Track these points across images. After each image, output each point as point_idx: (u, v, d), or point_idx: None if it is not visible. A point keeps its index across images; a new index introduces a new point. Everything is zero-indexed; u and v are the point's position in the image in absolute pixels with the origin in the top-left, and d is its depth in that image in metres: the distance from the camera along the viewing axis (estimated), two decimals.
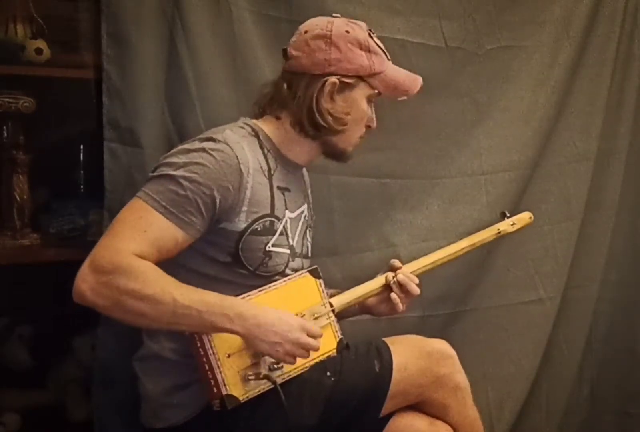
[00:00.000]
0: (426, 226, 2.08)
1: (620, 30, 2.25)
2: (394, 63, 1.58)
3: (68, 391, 1.95)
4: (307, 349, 1.39)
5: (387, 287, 1.61)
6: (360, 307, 1.67)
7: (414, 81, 1.59)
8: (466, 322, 2.17)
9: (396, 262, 1.64)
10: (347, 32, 1.51)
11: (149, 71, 1.72)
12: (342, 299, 1.58)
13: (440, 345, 1.62)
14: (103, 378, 1.74)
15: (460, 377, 1.61)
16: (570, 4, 2.18)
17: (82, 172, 1.98)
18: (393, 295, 1.60)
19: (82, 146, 1.97)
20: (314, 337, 1.39)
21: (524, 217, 1.88)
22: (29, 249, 1.80)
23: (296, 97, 1.50)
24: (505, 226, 1.82)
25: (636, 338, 2.37)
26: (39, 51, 1.79)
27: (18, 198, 1.81)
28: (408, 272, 1.61)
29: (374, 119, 1.59)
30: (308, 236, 1.64)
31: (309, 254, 1.64)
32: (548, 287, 2.25)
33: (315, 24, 1.53)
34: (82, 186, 1.99)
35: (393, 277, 1.60)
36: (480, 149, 2.14)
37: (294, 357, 1.38)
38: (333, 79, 1.49)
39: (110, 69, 1.69)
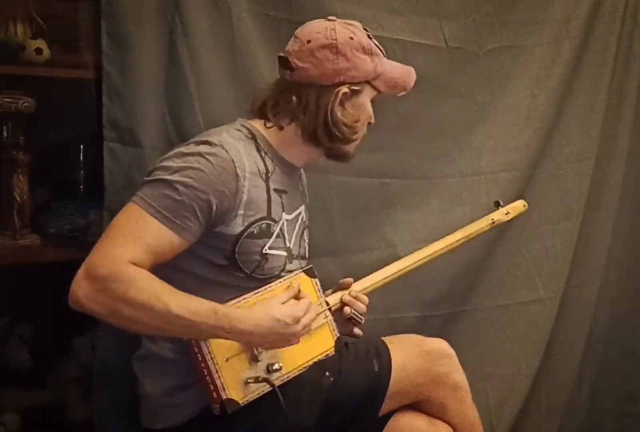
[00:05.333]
0: (426, 226, 2.08)
1: (620, 30, 2.24)
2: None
3: (68, 391, 1.95)
4: (307, 330, 1.41)
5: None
6: None
7: (409, 74, 1.58)
8: (466, 322, 2.17)
9: (348, 280, 1.63)
10: (352, 38, 1.49)
11: (149, 71, 1.72)
12: (338, 298, 1.58)
13: (439, 344, 1.62)
14: (103, 378, 1.74)
15: (459, 377, 1.62)
16: (570, 3, 2.18)
17: (82, 172, 1.98)
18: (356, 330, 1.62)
19: (82, 146, 1.97)
20: (307, 314, 1.41)
21: (518, 205, 1.89)
22: (29, 249, 1.80)
23: (308, 109, 1.49)
24: (500, 215, 1.82)
25: (636, 338, 2.37)
26: (39, 51, 1.79)
27: (18, 198, 1.80)
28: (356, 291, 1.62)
29: (372, 115, 1.59)
30: (305, 237, 1.63)
31: (307, 255, 1.64)
32: (548, 287, 2.24)
33: (317, 32, 1.50)
34: (82, 186, 1.98)
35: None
36: (480, 149, 2.14)
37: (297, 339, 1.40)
38: (344, 89, 1.49)
39: (110, 69, 1.69)
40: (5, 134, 1.82)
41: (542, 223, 2.22)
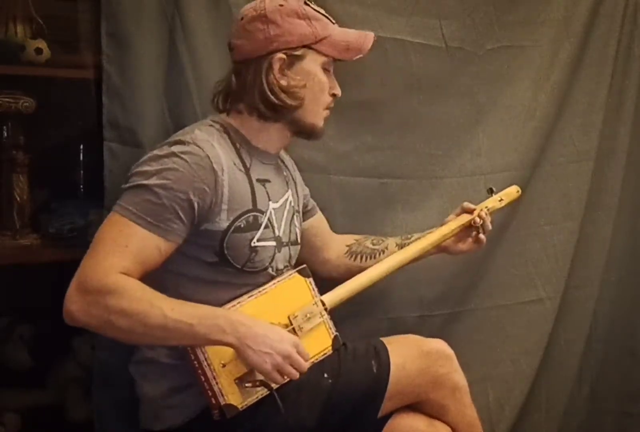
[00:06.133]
0: (426, 226, 2.07)
1: (620, 30, 2.24)
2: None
3: (68, 391, 1.95)
4: (295, 367, 1.36)
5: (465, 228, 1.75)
6: (437, 249, 1.77)
7: (365, 38, 1.55)
8: (466, 322, 2.16)
9: (470, 204, 1.76)
10: (281, 5, 1.48)
11: (149, 71, 1.72)
12: (335, 295, 1.57)
13: (438, 345, 1.62)
14: (103, 378, 1.74)
15: (458, 377, 1.62)
16: (570, 3, 2.18)
17: (82, 172, 1.98)
18: (481, 235, 1.76)
19: (82, 146, 1.97)
20: (304, 358, 1.37)
21: (511, 191, 1.88)
22: (29, 249, 1.80)
23: (246, 83, 1.49)
24: (493, 202, 1.82)
25: (636, 338, 2.37)
26: (38, 51, 1.79)
27: (18, 198, 1.81)
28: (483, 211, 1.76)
29: (337, 86, 1.57)
30: (296, 222, 1.62)
31: (298, 240, 1.63)
32: (548, 287, 2.24)
33: (249, 8, 1.50)
34: (82, 186, 1.99)
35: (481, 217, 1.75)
36: (480, 149, 2.13)
37: (281, 373, 1.35)
38: (279, 54, 1.47)
39: (110, 69, 1.69)
40: (5, 134, 1.82)
41: (542, 223, 2.22)
